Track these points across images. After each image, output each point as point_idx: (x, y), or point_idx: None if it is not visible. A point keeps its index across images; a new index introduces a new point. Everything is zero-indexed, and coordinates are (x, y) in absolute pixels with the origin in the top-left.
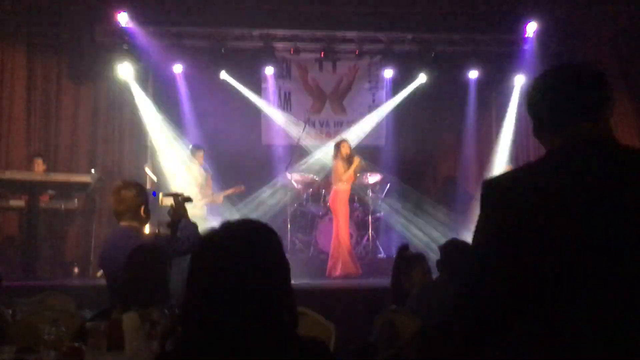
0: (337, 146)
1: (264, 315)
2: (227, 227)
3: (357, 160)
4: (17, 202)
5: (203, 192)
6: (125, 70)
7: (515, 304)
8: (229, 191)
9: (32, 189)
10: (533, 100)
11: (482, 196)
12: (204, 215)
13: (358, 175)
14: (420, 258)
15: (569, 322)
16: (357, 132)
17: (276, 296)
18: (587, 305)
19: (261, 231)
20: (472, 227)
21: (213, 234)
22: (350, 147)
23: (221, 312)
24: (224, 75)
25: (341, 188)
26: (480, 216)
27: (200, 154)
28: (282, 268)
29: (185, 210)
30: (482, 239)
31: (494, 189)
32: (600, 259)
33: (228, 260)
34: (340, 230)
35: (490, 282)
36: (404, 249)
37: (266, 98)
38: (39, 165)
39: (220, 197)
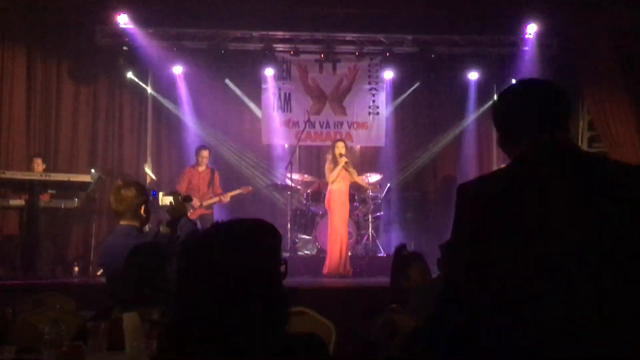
0: (332, 146)
1: (251, 312)
2: (214, 227)
3: (342, 161)
4: (17, 202)
5: (211, 192)
6: (125, 71)
7: (489, 294)
8: (237, 191)
9: (32, 189)
10: (497, 115)
11: (456, 199)
12: (213, 215)
13: (354, 175)
14: (417, 257)
15: (533, 313)
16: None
17: (263, 293)
18: (547, 295)
19: (247, 230)
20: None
21: (197, 234)
22: (344, 148)
23: (207, 310)
24: (227, 82)
25: (334, 187)
26: (455, 216)
27: (205, 153)
28: (268, 266)
29: (184, 209)
30: (457, 236)
31: (465, 193)
32: (554, 253)
33: (210, 258)
34: (332, 229)
35: (465, 278)
36: (401, 248)
37: (266, 99)
38: (39, 165)
39: (227, 197)
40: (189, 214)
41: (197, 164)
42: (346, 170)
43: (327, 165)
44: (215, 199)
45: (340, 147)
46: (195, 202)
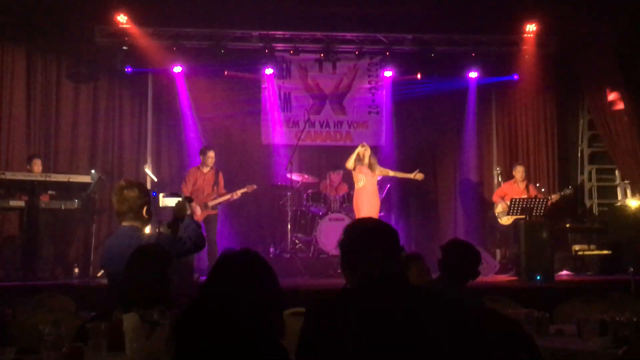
0: (356, 150)
1: (253, 326)
2: (244, 253)
3: (357, 150)
4: (17, 203)
5: (215, 193)
6: (124, 71)
7: None
8: (244, 189)
9: (32, 189)
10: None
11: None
12: (217, 215)
13: (377, 169)
14: (415, 258)
15: None
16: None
17: (265, 311)
18: None
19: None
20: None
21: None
22: (366, 149)
23: (216, 322)
24: (226, 81)
25: (358, 187)
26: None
27: (212, 154)
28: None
29: (187, 210)
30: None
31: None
32: None
33: (237, 286)
34: None
35: None
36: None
37: (266, 98)
38: (37, 165)
39: (238, 194)
40: (195, 216)
41: (203, 164)
42: (361, 159)
43: (354, 167)
44: (225, 197)
45: (362, 149)
46: (197, 209)
